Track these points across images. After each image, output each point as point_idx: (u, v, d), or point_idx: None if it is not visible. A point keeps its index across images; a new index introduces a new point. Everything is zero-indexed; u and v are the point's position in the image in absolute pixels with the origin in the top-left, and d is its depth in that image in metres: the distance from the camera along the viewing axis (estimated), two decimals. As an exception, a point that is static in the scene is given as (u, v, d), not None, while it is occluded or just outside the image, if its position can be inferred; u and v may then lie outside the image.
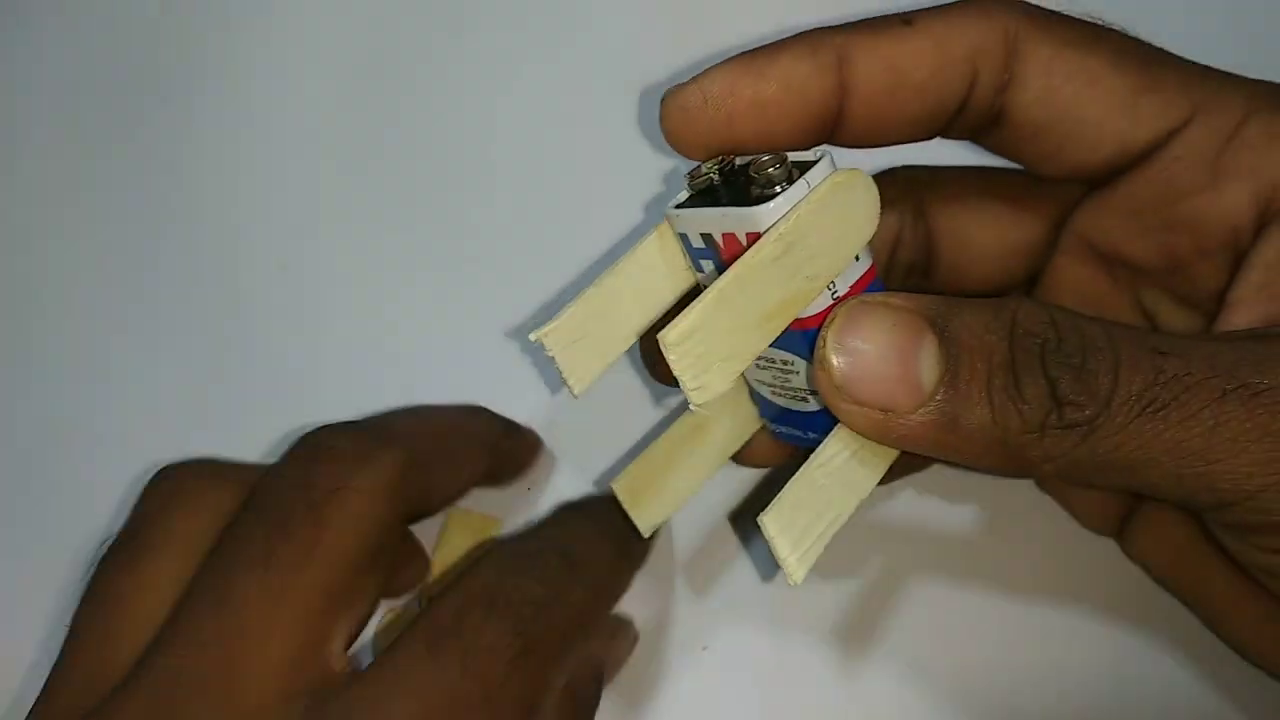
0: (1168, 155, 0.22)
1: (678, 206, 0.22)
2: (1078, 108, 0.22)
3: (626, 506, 0.26)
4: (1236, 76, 0.23)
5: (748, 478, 0.32)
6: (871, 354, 0.20)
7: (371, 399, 0.33)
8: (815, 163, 0.21)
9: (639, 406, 0.33)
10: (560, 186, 0.35)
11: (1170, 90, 0.22)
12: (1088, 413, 0.19)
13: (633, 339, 0.23)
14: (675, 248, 0.23)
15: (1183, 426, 0.19)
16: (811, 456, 0.21)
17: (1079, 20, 0.23)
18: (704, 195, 0.22)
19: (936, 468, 0.30)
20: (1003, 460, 0.20)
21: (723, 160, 0.22)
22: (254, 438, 0.33)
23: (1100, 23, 0.23)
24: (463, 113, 0.36)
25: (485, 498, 0.32)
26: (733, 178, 0.22)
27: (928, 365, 0.19)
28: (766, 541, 0.20)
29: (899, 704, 0.29)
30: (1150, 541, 0.27)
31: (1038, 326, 0.19)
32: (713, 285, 0.19)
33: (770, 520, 0.20)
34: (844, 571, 0.31)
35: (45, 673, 0.23)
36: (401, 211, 0.36)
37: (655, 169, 0.35)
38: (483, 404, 0.33)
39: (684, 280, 0.24)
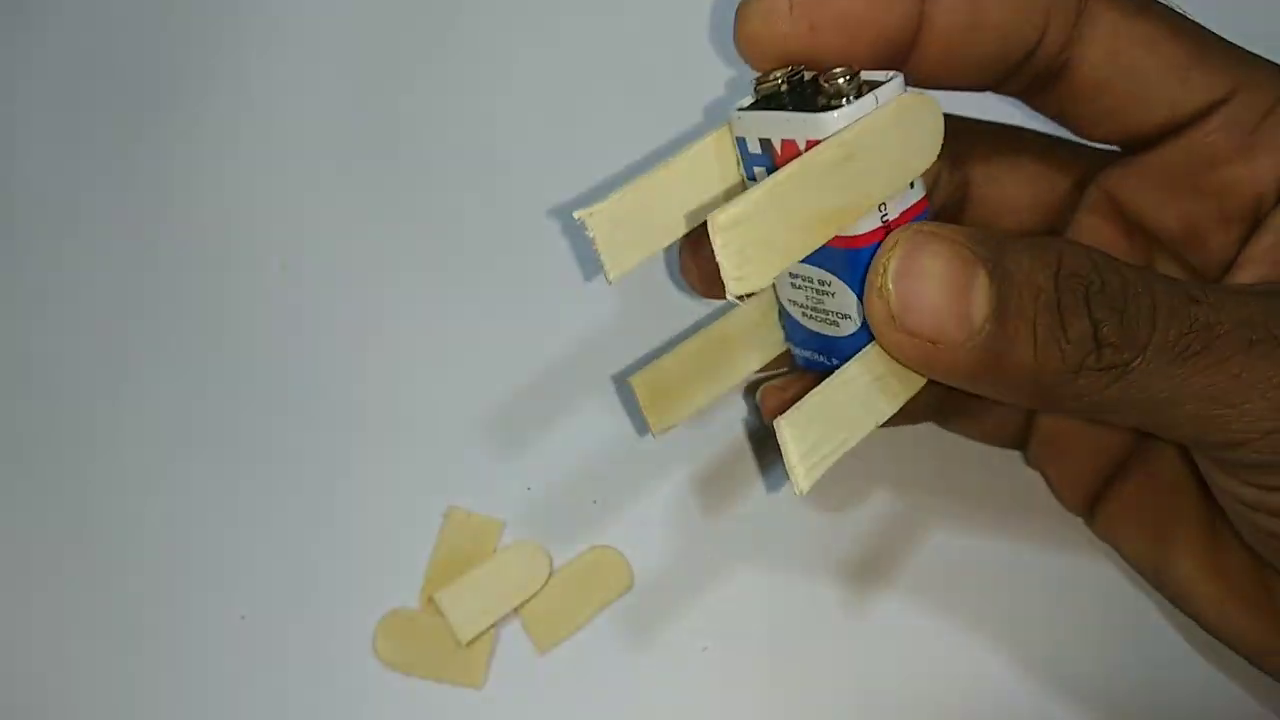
0: (1210, 125, 0.23)
1: (740, 109, 0.22)
2: (1139, 70, 0.23)
3: (642, 404, 0.26)
4: (1270, 60, 0.24)
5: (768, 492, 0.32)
6: (929, 285, 0.20)
7: (373, 399, 0.33)
8: (886, 82, 0.21)
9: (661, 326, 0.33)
10: (574, 181, 0.36)
11: (1217, 65, 0.23)
12: (1125, 356, 0.20)
13: (676, 234, 0.23)
14: (731, 153, 0.23)
15: (1209, 372, 0.20)
16: (835, 374, 0.21)
17: None
18: (769, 101, 0.22)
19: (936, 446, 0.31)
20: (1032, 396, 0.21)
21: (792, 70, 0.22)
22: (254, 437, 0.33)
23: None
24: (476, 106, 0.36)
25: (485, 498, 0.32)
26: (800, 88, 0.22)
27: (979, 300, 0.20)
28: (780, 448, 0.21)
29: (899, 703, 0.29)
30: (1123, 517, 0.28)
31: (1082, 268, 0.20)
32: (768, 178, 0.19)
33: (786, 424, 0.20)
34: (843, 571, 0.31)
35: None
36: (404, 210, 0.35)
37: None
38: (484, 404, 0.33)
39: (734, 186, 0.23)
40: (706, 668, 0.30)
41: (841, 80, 0.21)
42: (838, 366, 0.22)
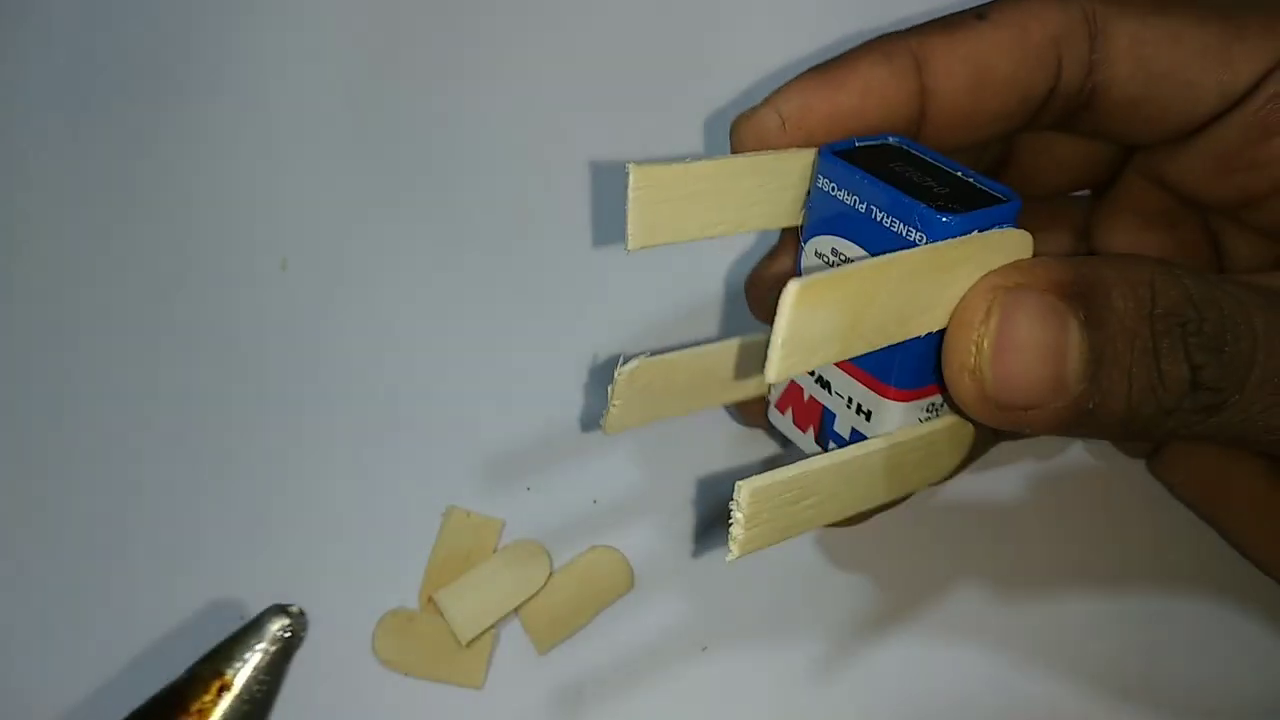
0: (1260, 97, 0.22)
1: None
2: (1175, 70, 0.22)
3: (616, 384, 0.24)
4: None
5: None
6: (1026, 359, 0.19)
7: (374, 399, 0.33)
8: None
9: (665, 329, 0.32)
10: (573, 180, 0.35)
11: (1255, 35, 0.22)
12: (1224, 396, 0.19)
13: (711, 233, 0.22)
14: (802, 180, 0.22)
15: None
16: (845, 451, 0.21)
17: None
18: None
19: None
20: (1124, 436, 0.20)
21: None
22: (254, 437, 0.33)
23: None
24: (476, 105, 0.36)
25: (485, 498, 0.32)
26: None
27: (1074, 358, 0.19)
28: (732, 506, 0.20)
29: (898, 703, 0.29)
30: (1178, 463, 0.27)
31: (1179, 305, 0.19)
32: (869, 261, 0.19)
33: (747, 488, 0.19)
34: (842, 571, 0.31)
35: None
36: (405, 209, 0.35)
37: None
38: (484, 404, 0.33)
39: (790, 215, 0.23)
40: (706, 668, 0.30)
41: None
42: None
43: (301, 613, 0.14)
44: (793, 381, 0.24)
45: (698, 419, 0.32)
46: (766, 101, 0.22)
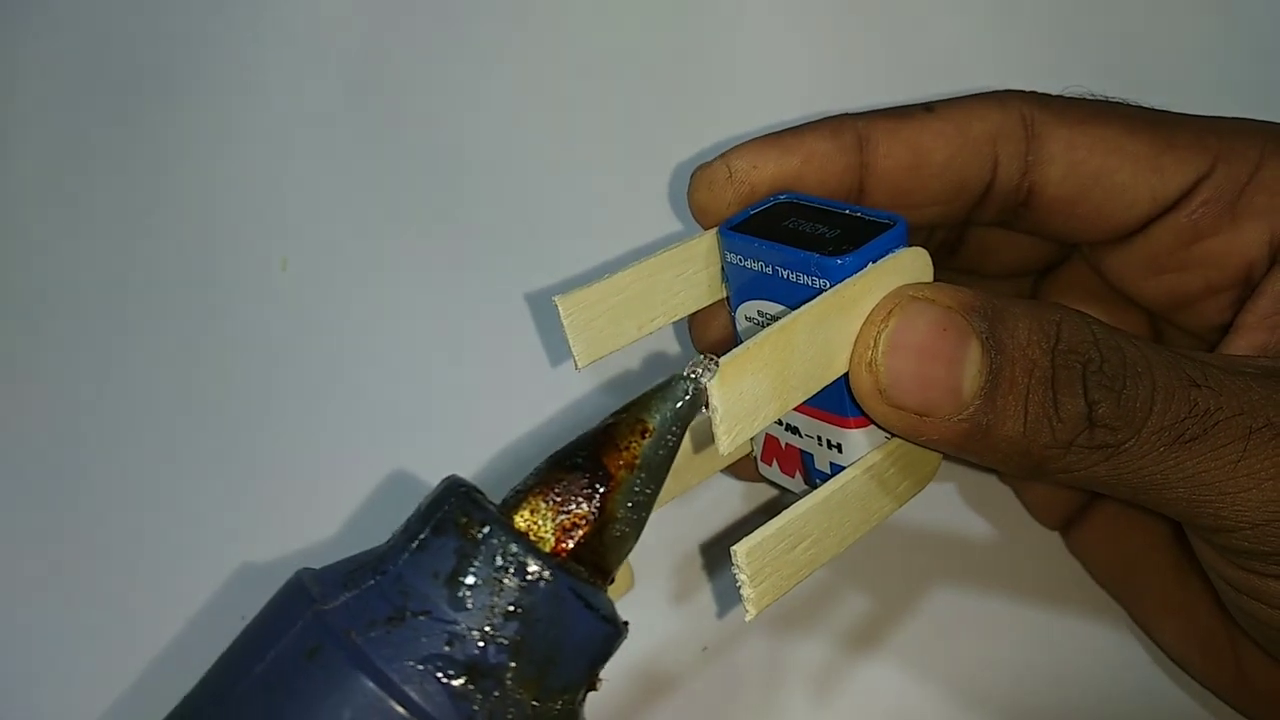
0: (1192, 202, 0.23)
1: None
2: (1107, 174, 0.23)
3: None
4: (1249, 122, 0.24)
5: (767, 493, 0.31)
6: (919, 360, 0.20)
7: (373, 398, 0.33)
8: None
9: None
10: (573, 181, 0.36)
11: (1186, 146, 0.23)
12: (1119, 437, 0.19)
13: (648, 330, 0.23)
14: (715, 261, 0.24)
15: (1206, 459, 0.19)
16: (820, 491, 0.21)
17: (1086, 99, 0.24)
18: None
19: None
20: (1020, 467, 0.20)
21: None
22: (253, 436, 0.33)
23: (1104, 99, 0.24)
24: (476, 105, 0.37)
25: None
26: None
27: (970, 373, 0.19)
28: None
29: (897, 702, 0.29)
30: (1095, 543, 0.28)
31: (1081, 344, 0.20)
32: (775, 324, 0.20)
33: (742, 551, 0.20)
34: (842, 572, 0.30)
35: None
36: (406, 209, 0.35)
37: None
38: (484, 404, 0.33)
39: (714, 290, 0.24)
40: (706, 668, 0.30)
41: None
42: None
43: (706, 371, 0.18)
44: (767, 434, 0.25)
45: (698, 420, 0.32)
46: (720, 157, 0.24)
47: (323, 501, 0.32)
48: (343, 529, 0.32)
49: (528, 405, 0.33)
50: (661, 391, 0.19)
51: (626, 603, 0.30)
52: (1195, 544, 0.23)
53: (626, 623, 0.18)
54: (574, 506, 0.17)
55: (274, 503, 0.32)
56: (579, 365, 0.22)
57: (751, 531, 0.20)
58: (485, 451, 0.32)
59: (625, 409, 0.19)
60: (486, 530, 0.17)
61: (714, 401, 0.18)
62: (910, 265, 0.21)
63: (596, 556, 0.17)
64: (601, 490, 0.17)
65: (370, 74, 0.37)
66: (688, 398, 0.18)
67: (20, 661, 0.31)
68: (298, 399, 0.33)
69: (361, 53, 0.37)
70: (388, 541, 0.18)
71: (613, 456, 0.18)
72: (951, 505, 0.31)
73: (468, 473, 0.32)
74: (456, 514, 0.17)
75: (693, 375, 0.18)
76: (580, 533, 0.17)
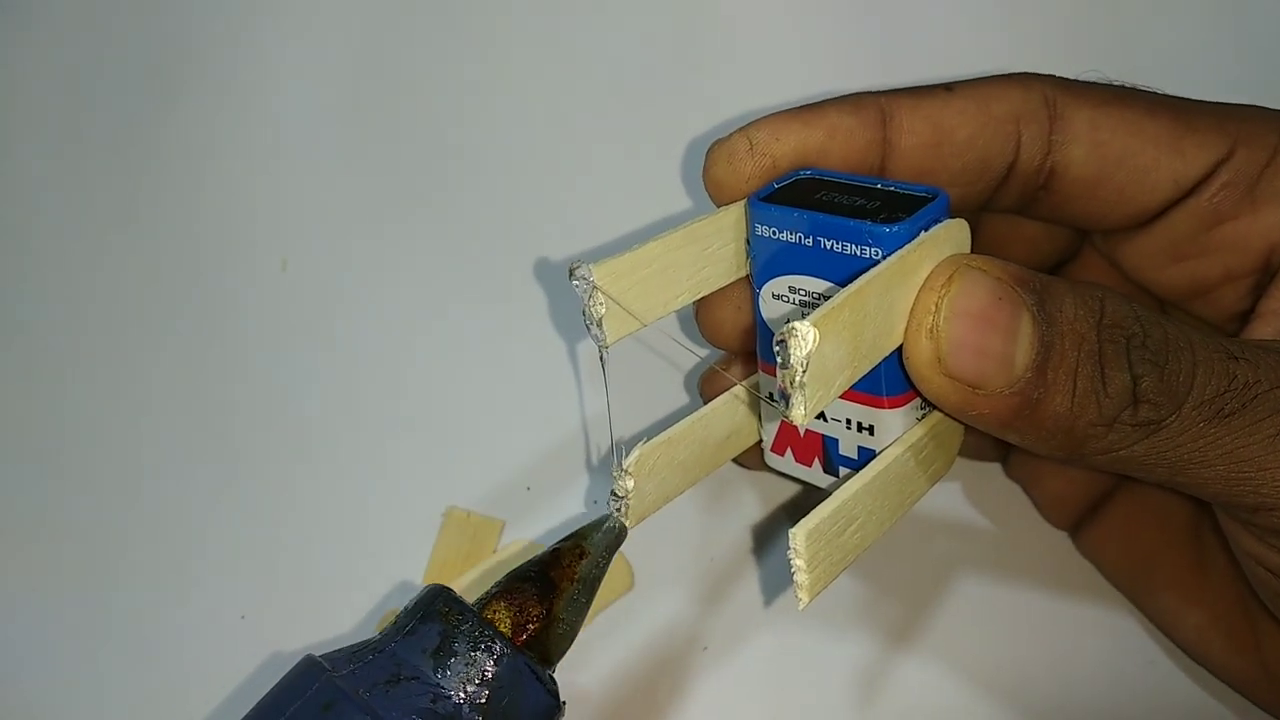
0: (1212, 186, 0.23)
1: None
2: (1130, 155, 0.23)
3: (625, 474, 0.24)
4: (1266, 109, 0.24)
5: (767, 491, 0.32)
6: (977, 326, 0.19)
7: (374, 399, 0.33)
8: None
9: (652, 406, 0.32)
10: (574, 181, 0.35)
11: (1206, 129, 0.23)
12: (1162, 413, 0.19)
13: (673, 307, 0.22)
14: (740, 235, 0.23)
15: (1244, 433, 0.19)
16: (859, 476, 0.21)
17: (1108, 84, 0.24)
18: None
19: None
20: (1061, 446, 0.20)
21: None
22: (254, 437, 0.33)
23: (1126, 85, 0.24)
24: (477, 101, 0.36)
25: (485, 498, 0.32)
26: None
27: (1024, 345, 0.19)
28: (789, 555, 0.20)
29: (899, 702, 0.29)
30: (1108, 541, 0.28)
31: (1125, 319, 0.20)
32: (852, 286, 0.19)
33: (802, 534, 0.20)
34: (844, 572, 0.31)
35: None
36: (406, 209, 0.35)
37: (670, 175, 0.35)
38: (484, 404, 0.33)
39: (737, 267, 0.24)
40: (706, 668, 0.30)
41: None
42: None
43: (621, 515, 0.23)
44: (782, 421, 0.25)
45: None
46: (740, 130, 0.23)
47: (322, 501, 0.32)
48: (342, 528, 0.32)
49: (528, 406, 0.33)
50: (596, 525, 0.23)
51: (627, 603, 0.31)
52: (1229, 529, 0.23)
53: (565, 702, 0.22)
54: (529, 608, 0.22)
55: (273, 503, 0.32)
56: (607, 343, 0.21)
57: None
58: (485, 453, 0.32)
59: (568, 538, 0.23)
60: (463, 617, 0.21)
61: (799, 363, 0.18)
62: (956, 236, 0.21)
63: (543, 647, 0.22)
64: (550, 596, 0.22)
65: (370, 74, 0.36)
66: (615, 530, 0.23)
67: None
68: (297, 399, 0.33)
69: (361, 53, 0.36)
70: (378, 635, 0.22)
71: (558, 572, 0.22)
72: (956, 504, 0.31)
73: (463, 473, 0.32)
74: (441, 606, 0.21)
75: (618, 512, 0.23)
76: (533, 626, 0.22)
